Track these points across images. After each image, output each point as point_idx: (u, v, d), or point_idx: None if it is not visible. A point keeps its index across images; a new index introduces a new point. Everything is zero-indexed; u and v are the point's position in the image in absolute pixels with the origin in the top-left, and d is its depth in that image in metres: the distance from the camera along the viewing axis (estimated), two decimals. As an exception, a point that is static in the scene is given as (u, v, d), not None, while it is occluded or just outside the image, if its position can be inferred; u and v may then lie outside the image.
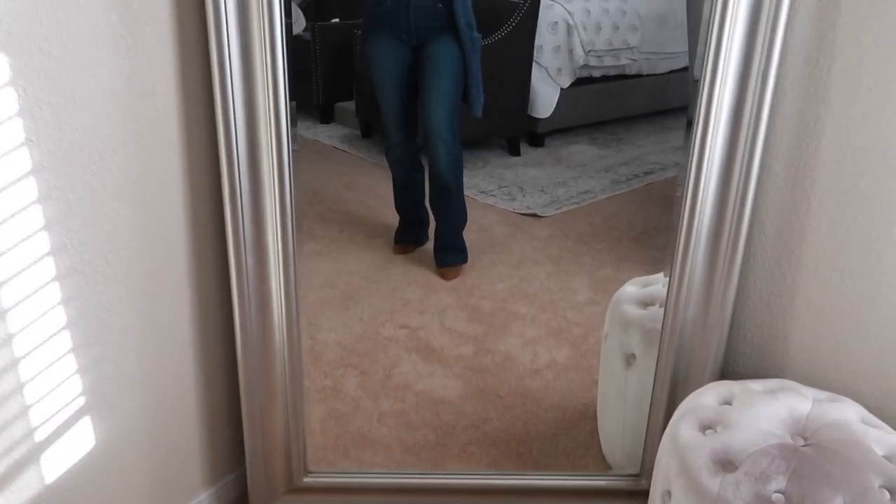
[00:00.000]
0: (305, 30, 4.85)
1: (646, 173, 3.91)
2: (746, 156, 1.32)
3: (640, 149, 4.41)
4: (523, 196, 3.46)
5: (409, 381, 1.99)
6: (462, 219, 2.56)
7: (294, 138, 1.19)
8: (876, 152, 1.21)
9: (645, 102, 4.87)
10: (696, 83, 1.30)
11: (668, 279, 1.66)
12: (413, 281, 2.55)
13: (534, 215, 3.22)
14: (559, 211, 3.27)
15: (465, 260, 2.54)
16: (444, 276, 2.47)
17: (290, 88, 1.16)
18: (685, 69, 4.78)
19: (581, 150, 4.31)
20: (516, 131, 4.14)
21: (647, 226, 3.09)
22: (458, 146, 2.47)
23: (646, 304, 1.60)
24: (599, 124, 4.79)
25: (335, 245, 2.83)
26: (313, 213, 3.16)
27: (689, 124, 1.36)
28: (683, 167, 1.39)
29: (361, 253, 2.76)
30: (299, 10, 5.10)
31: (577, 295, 2.49)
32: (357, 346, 2.15)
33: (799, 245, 1.35)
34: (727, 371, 1.50)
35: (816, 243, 1.33)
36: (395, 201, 2.62)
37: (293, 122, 1.18)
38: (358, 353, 2.12)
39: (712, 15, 1.26)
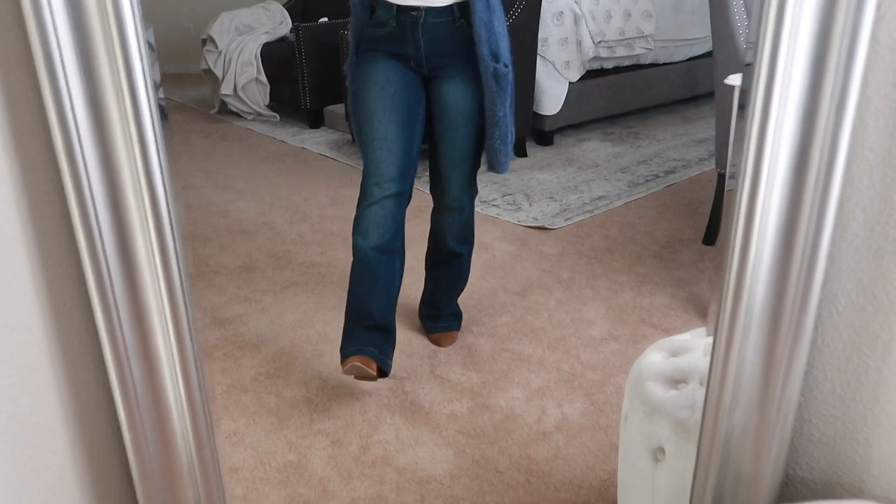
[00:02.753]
0: (291, 31, 4.51)
1: (666, 172, 3.54)
2: (815, 212, 0.98)
3: (659, 143, 4.04)
4: (530, 205, 3.12)
5: (390, 454, 1.67)
6: (464, 283, 2.14)
7: (176, 218, 0.86)
8: None
9: (663, 93, 4.49)
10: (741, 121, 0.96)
11: (706, 346, 1.32)
12: (400, 316, 2.22)
13: (542, 228, 2.88)
14: (570, 222, 2.92)
15: (459, 326, 2.16)
16: (438, 343, 2.11)
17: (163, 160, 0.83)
18: (707, 55, 4.42)
19: (594, 148, 3.95)
20: (522, 130, 3.79)
21: (671, 238, 2.74)
22: (472, 208, 1.96)
23: (676, 381, 1.26)
24: (613, 118, 4.42)
25: (314, 273, 2.50)
26: (293, 234, 2.83)
27: (723, 183, 1.02)
28: (728, 218, 1.04)
29: (343, 281, 2.43)
30: (285, 11, 4.78)
31: (592, 329, 2.15)
32: (330, 406, 1.82)
33: (888, 327, 1.01)
34: (788, 476, 1.16)
35: (912, 325, 0.98)
36: (349, 298, 1.82)
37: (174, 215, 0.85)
38: (331, 413, 1.80)
39: (762, 31, 0.91)
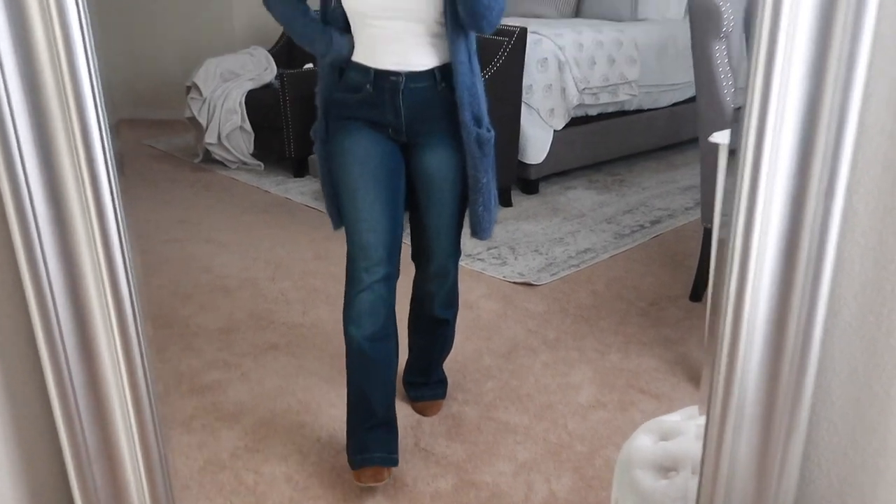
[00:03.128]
0: (276, 77, 4.49)
1: (652, 223, 3.51)
2: (806, 299, 0.95)
3: (644, 191, 4.02)
4: (515, 259, 3.08)
5: (372, 538, 1.60)
6: (449, 347, 2.09)
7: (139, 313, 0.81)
8: None
9: (647, 140, 4.49)
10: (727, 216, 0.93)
11: (697, 430, 1.28)
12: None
13: (527, 284, 2.84)
14: (556, 277, 2.88)
15: (444, 394, 2.11)
16: (424, 413, 2.05)
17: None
18: (690, 100, 4.43)
19: (579, 197, 3.92)
20: (507, 180, 3.77)
21: (657, 293, 2.70)
22: (457, 271, 1.91)
23: (667, 469, 1.21)
24: (598, 165, 4.41)
25: (295, 334, 2.44)
26: (275, 291, 2.77)
27: (710, 238, 0.98)
28: (716, 299, 1.01)
29: (325, 344, 2.37)
30: (270, 57, 4.77)
31: (579, 395, 2.10)
32: (310, 484, 1.76)
33: (884, 421, 0.97)
34: (783, 575, 1.10)
35: (910, 420, 0.94)
36: (350, 393, 1.77)
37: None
38: (311, 493, 1.73)
39: (746, 119, 0.89)
